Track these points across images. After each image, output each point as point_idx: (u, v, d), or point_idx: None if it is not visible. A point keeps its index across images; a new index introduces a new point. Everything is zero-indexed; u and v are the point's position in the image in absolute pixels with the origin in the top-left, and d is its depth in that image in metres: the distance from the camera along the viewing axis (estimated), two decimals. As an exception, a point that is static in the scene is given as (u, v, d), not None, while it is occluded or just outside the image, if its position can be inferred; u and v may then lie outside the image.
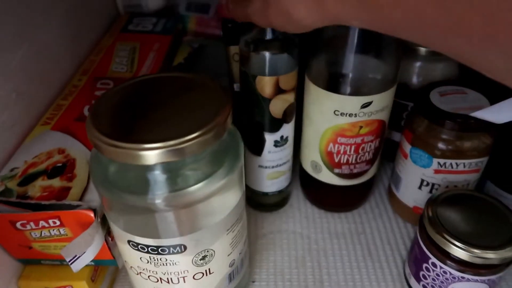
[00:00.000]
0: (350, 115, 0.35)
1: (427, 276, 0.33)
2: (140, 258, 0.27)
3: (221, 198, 0.27)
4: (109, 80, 0.42)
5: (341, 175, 0.40)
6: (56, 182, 0.30)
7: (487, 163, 0.38)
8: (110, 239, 0.32)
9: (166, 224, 0.26)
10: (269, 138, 0.37)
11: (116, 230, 0.27)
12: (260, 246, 0.40)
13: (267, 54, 0.33)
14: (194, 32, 0.56)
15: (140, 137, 0.23)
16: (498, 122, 0.32)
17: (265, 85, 0.34)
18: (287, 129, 0.38)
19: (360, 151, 0.38)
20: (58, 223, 0.28)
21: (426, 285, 0.33)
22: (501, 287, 0.36)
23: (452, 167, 0.36)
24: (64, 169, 0.31)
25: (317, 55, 0.35)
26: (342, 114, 0.35)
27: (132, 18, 0.54)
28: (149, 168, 0.24)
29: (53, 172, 0.31)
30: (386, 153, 0.45)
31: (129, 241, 0.27)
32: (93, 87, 0.41)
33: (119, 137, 0.23)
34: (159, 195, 0.24)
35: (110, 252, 0.31)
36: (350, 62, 0.33)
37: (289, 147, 0.39)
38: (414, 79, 0.42)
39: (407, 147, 0.38)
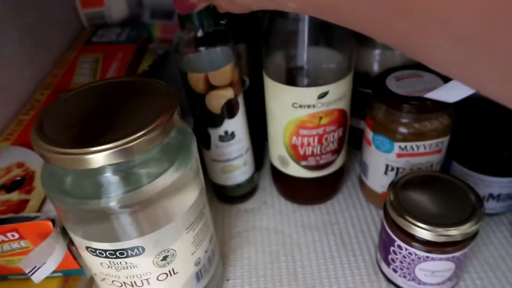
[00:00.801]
0: (309, 106, 0.35)
1: (395, 259, 0.33)
2: (101, 263, 0.27)
3: (177, 196, 0.27)
4: (73, 93, 0.43)
5: (308, 167, 0.40)
6: (15, 196, 0.30)
7: (450, 143, 0.38)
8: (74, 248, 0.32)
9: (122, 227, 0.25)
10: (213, 133, 0.38)
11: (75, 239, 0.27)
12: (235, 245, 0.40)
13: (195, 51, 0.34)
14: (160, 39, 0.56)
15: (87, 141, 0.23)
16: (450, 101, 0.33)
17: (196, 82, 0.35)
18: (232, 125, 0.38)
19: (323, 141, 0.38)
20: (17, 236, 0.28)
21: (395, 268, 0.33)
22: (467, 265, 0.36)
23: (413, 150, 0.36)
24: (23, 182, 0.31)
25: (270, 51, 0.36)
26: (300, 106, 0.35)
27: (96, 30, 0.54)
28: (100, 171, 0.24)
29: (12, 186, 0.31)
30: (355, 142, 0.45)
31: (87, 248, 0.27)
32: (56, 100, 0.41)
33: (65, 144, 0.23)
34: (113, 197, 0.24)
35: (76, 261, 0.31)
36: (303, 55, 0.34)
37: (238, 142, 0.39)
38: (375, 67, 0.42)
39: (369, 134, 0.38)
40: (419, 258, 0.31)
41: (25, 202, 0.30)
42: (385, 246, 0.34)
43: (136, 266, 0.27)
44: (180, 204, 0.27)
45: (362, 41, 0.42)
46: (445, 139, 0.36)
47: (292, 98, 0.35)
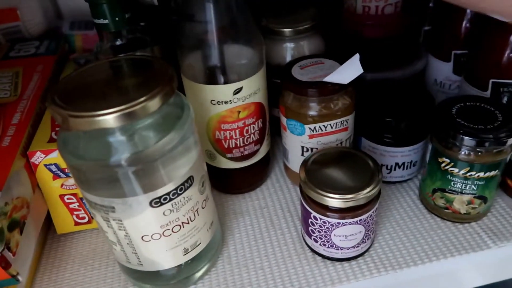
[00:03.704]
0: (226, 102, 0.38)
1: (314, 230, 0.36)
2: (163, 212, 0.31)
3: (176, 160, 0.30)
4: (-7, 108, 0.42)
5: (234, 159, 0.42)
6: None
7: (357, 121, 0.42)
8: (11, 254, 0.32)
9: (128, 184, 0.29)
10: None
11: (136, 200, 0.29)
12: (171, 239, 0.42)
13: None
14: (81, 49, 0.56)
15: (98, 106, 0.26)
16: (345, 83, 0.36)
17: None
18: None
19: (245, 133, 0.40)
20: None
21: (316, 238, 0.37)
22: (380, 228, 0.40)
23: (322, 130, 0.40)
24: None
25: (184, 52, 0.37)
26: (218, 102, 0.38)
27: (13, 45, 0.54)
28: (109, 132, 0.27)
29: None
30: (278, 131, 0.48)
31: (151, 201, 0.30)
32: (-25, 117, 0.41)
33: (78, 108, 0.26)
34: (121, 157, 0.27)
35: (6, 271, 0.31)
36: (215, 54, 0.36)
37: None
38: (286, 59, 0.46)
39: (284, 120, 0.41)
40: (332, 225, 0.34)
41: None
42: (304, 219, 0.37)
43: (190, 198, 0.32)
44: (178, 168, 0.30)
45: (273, 35, 0.45)
46: (350, 117, 0.40)
47: (210, 96, 0.37)
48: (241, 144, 0.41)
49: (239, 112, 0.39)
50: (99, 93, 0.28)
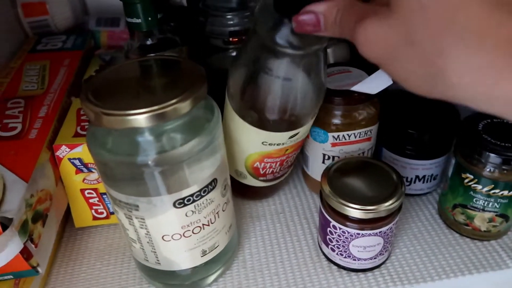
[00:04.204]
0: (278, 144, 0.37)
1: (332, 239, 0.36)
2: (186, 213, 0.31)
3: (200, 163, 0.30)
4: (20, 99, 0.43)
5: (266, 181, 0.42)
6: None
7: (380, 132, 0.42)
8: (33, 246, 0.33)
9: (153, 183, 0.29)
10: None
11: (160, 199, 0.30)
12: (187, 239, 0.42)
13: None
14: (106, 45, 0.57)
15: (129, 106, 0.26)
16: (373, 93, 0.36)
17: None
18: None
19: (284, 163, 0.40)
20: (-35, 239, 0.29)
21: (333, 247, 0.36)
22: (398, 240, 0.40)
23: (345, 139, 0.39)
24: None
25: (240, 92, 0.35)
26: (270, 144, 0.37)
27: (40, 39, 0.54)
28: (138, 131, 0.28)
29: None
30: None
31: (175, 201, 0.30)
32: (3, 107, 0.42)
33: (111, 107, 0.26)
34: (148, 156, 0.28)
35: (27, 262, 0.32)
36: (278, 105, 0.33)
37: None
38: (311, 66, 0.46)
39: (307, 127, 0.41)
40: (351, 235, 0.34)
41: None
42: (323, 228, 0.37)
43: (212, 201, 0.32)
44: (203, 170, 0.30)
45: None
46: (373, 128, 0.40)
47: (263, 138, 0.36)
48: (278, 171, 0.41)
49: (286, 150, 0.38)
50: (131, 92, 0.29)
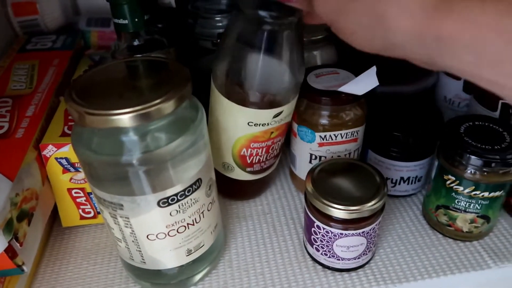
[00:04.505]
0: (263, 124, 0.37)
1: (317, 239, 0.36)
2: (170, 213, 0.31)
3: (185, 162, 0.30)
4: (8, 98, 0.43)
5: (253, 172, 0.42)
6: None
7: (366, 133, 0.42)
8: (18, 245, 0.33)
9: (138, 182, 0.29)
10: None
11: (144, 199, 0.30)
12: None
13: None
14: (97, 46, 0.57)
15: (114, 105, 0.26)
16: (359, 94, 0.37)
17: None
18: None
19: (270, 150, 0.41)
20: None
21: (318, 247, 0.37)
22: (382, 241, 0.41)
23: (332, 139, 0.40)
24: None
25: (225, 71, 0.36)
26: (256, 124, 0.37)
27: (30, 38, 0.54)
28: (123, 131, 0.28)
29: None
30: (287, 137, 0.49)
31: (159, 200, 0.30)
32: (-10, 107, 0.42)
33: (96, 107, 0.26)
34: (132, 155, 0.28)
35: (12, 260, 0.32)
36: (260, 78, 0.35)
37: None
38: (298, 68, 0.46)
39: (295, 126, 0.42)
40: (335, 235, 0.35)
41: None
42: (307, 228, 0.37)
43: (197, 200, 0.32)
44: (187, 170, 0.31)
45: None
46: (360, 129, 0.41)
47: (249, 118, 0.37)
48: (264, 160, 0.41)
49: (271, 132, 0.38)
50: (116, 92, 0.29)
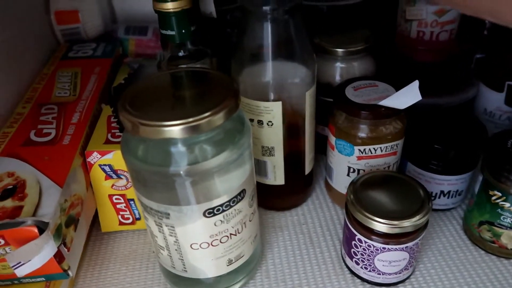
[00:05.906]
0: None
1: (357, 253, 0.36)
2: (215, 223, 0.31)
3: (229, 174, 0.31)
4: (53, 105, 0.44)
5: None
6: (8, 203, 0.32)
7: (405, 146, 0.42)
8: (66, 250, 0.33)
9: (183, 193, 0.30)
10: None
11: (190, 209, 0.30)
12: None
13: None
14: (134, 53, 0.58)
15: (165, 116, 0.27)
16: (401, 108, 0.36)
17: None
18: None
19: None
20: (2, 242, 0.30)
21: (358, 261, 0.37)
22: (422, 256, 0.40)
23: (371, 153, 0.40)
24: (15, 190, 0.33)
25: (235, 66, 0.38)
26: None
27: (72, 46, 0.56)
28: (172, 142, 0.28)
29: (4, 194, 0.33)
30: (322, 148, 0.49)
31: (205, 211, 0.30)
32: (37, 113, 0.43)
33: (147, 117, 0.27)
34: (180, 166, 0.28)
35: (61, 264, 0.33)
36: (267, 70, 0.36)
37: None
38: (336, 78, 0.46)
39: (332, 139, 0.42)
40: (377, 249, 0.34)
41: (19, 208, 0.31)
42: (347, 241, 0.37)
43: (240, 211, 0.32)
44: (232, 181, 0.31)
45: (325, 54, 0.46)
46: (399, 142, 0.40)
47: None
48: None
49: None
50: (166, 103, 0.29)
